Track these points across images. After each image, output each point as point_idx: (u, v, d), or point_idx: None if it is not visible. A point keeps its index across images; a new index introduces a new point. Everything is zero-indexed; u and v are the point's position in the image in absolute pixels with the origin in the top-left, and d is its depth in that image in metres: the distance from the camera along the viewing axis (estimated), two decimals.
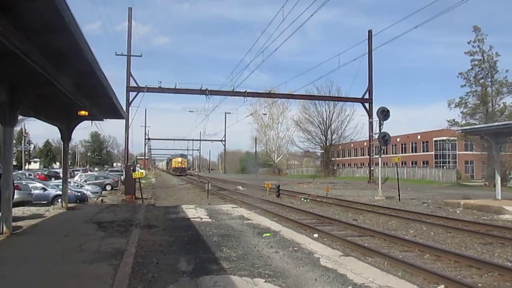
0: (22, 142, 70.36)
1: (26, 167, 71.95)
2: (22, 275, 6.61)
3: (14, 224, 10.99)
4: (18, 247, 9.01)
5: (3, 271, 6.73)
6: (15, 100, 10.22)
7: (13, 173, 14.29)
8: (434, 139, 65.57)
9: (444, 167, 57.82)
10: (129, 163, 36.27)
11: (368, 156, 46.06)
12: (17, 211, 14.21)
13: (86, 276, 6.44)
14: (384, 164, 44.14)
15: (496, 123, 24.59)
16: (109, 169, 77.26)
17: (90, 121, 18.45)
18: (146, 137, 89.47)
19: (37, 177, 37.48)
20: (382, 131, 25.54)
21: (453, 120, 46.51)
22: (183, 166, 79.47)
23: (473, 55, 44.93)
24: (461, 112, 45.63)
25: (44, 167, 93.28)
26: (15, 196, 14.11)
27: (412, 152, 70.76)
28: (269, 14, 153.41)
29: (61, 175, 29.69)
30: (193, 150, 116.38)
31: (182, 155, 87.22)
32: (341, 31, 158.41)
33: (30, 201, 18.54)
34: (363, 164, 68.56)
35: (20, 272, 6.75)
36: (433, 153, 65.95)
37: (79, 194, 22.45)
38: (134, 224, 12.40)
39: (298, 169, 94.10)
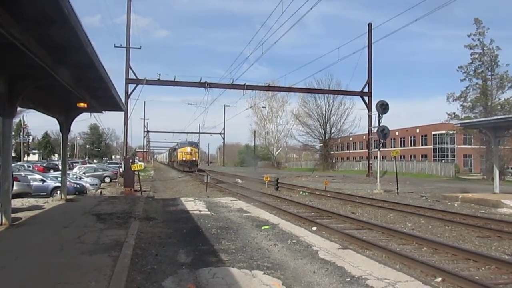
0: (21, 133, 70.33)
1: (25, 158, 71.96)
2: (22, 265, 6.64)
3: (13, 215, 11.02)
4: (17, 238, 9.03)
5: (2, 262, 6.76)
6: (14, 92, 10.19)
7: (12, 164, 14.30)
8: (433, 133, 65.72)
9: (443, 161, 57.98)
10: (128, 156, 36.27)
11: (367, 150, 46.11)
12: (16, 203, 14.22)
13: (85, 267, 6.47)
14: (382, 158, 44.27)
15: (495, 117, 24.61)
16: (108, 162, 77.27)
17: (89, 113, 18.42)
18: (145, 129, 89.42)
19: (36, 168, 37.53)
20: (381, 124, 25.54)
21: (453, 113, 46.57)
22: (194, 158, 56.67)
23: (473, 48, 44.85)
24: (461, 105, 45.68)
25: (42, 159, 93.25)
26: (14, 188, 14.19)
27: (410, 145, 70.92)
28: (269, 7, 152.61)
29: (60, 167, 29.72)
30: None
31: (192, 143, 61.42)
32: (341, 24, 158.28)
33: (29, 193, 18.57)
34: (362, 158, 68.68)
35: (20, 263, 6.78)
36: (431, 146, 66.13)
37: (78, 186, 22.49)
38: (133, 216, 12.43)
39: (297, 162, 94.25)
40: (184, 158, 55.63)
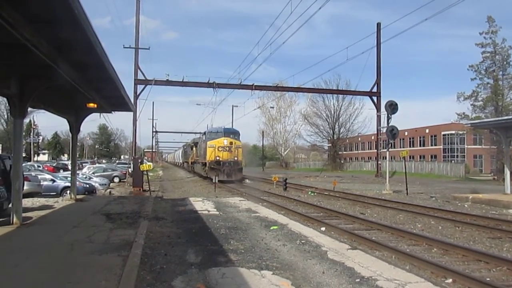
0: (31, 134, 70.87)
1: (35, 158, 72.53)
2: (33, 264, 6.70)
3: (24, 215, 11.12)
4: (28, 237, 9.12)
5: (14, 261, 6.82)
6: (25, 93, 10.29)
7: (23, 164, 14.43)
8: (443, 133, 65.21)
9: (453, 161, 57.47)
10: (136, 156, 36.47)
11: (375, 150, 45.88)
12: (26, 202, 14.35)
13: (95, 267, 6.51)
14: (391, 158, 43.93)
15: (506, 117, 24.33)
16: (116, 162, 77.67)
17: (98, 114, 18.55)
18: (154, 129, 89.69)
19: (46, 168, 37.86)
20: (390, 124, 25.39)
21: (463, 113, 46.20)
22: (235, 158, 33.28)
23: (484, 47, 44.42)
24: (472, 105, 45.30)
25: (52, 159, 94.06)
26: (25, 188, 14.31)
27: (420, 146, 70.42)
28: (277, 7, 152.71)
29: (69, 167, 29.96)
30: None
31: (230, 131, 35.85)
32: (349, 24, 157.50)
33: (40, 193, 18.71)
34: (371, 158, 68.33)
35: (31, 262, 6.84)
36: (441, 147, 65.61)
37: (87, 186, 22.64)
38: (142, 216, 12.48)
39: (305, 162, 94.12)
40: (218, 158, 32.25)
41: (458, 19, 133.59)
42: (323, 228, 11.60)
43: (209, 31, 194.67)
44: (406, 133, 69.64)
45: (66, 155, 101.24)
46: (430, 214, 14.58)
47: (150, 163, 34.91)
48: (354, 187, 28.99)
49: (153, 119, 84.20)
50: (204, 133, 37.06)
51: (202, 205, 16.06)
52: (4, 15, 6.61)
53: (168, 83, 36.46)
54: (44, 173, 23.91)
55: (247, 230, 10.60)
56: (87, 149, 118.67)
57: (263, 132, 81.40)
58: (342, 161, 75.48)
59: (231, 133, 35.25)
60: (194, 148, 44.35)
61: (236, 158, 32.75)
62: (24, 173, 15.58)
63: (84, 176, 27.25)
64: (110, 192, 24.46)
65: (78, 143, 24.53)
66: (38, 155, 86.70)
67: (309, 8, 51.27)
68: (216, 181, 26.44)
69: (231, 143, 33.03)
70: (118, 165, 49.37)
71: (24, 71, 9.99)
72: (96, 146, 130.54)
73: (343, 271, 6.74)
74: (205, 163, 33.86)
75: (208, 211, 14.37)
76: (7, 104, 11.77)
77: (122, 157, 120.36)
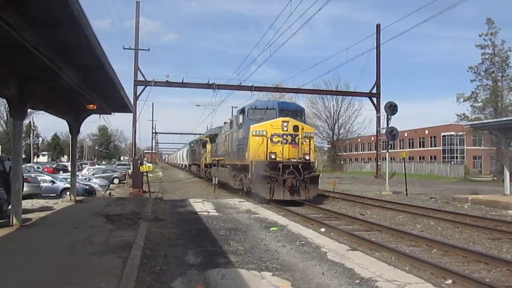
0: (31, 135, 70.83)
1: (34, 160, 72.48)
2: (33, 266, 6.69)
3: (23, 216, 11.11)
4: (28, 239, 9.10)
5: (14, 262, 6.82)
6: (24, 94, 10.29)
7: (22, 166, 14.42)
8: (442, 134, 65.33)
9: (452, 162, 57.56)
10: (136, 157, 36.47)
11: (375, 151, 45.92)
12: (26, 204, 14.33)
13: (95, 268, 6.50)
14: (391, 159, 43.95)
15: (505, 118, 24.36)
16: (116, 163, 77.62)
17: (98, 115, 18.54)
18: (153, 131, 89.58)
19: (46, 170, 37.85)
20: (389, 125, 25.40)
21: (463, 114, 46.28)
22: (305, 155, 17.40)
23: (484, 48, 44.55)
24: (471, 106, 45.41)
25: (52, 160, 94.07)
26: (25, 189, 14.31)
27: (419, 147, 70.52)
28: (277, 8, 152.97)
29: (69, 168, 29.99)
30: None
31: (288, 107, 19.45)
32: (349, 26, 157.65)
33: (39, 194, 18.72)
34: (370, 159, 68.38)
35: (31, 263, 6.83)
36: (441, 148, 65.76)
37: (87, 187, 22.65)
38: (142, 217, 12.47)
39: None
40: (272, 156, 17.10)
41: (458, 21, 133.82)
42: (322, 229, 11.59)
43: (209, 33, 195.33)
44: (405, 134, 69.72)
45: (65, 157, 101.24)
46: (430, 215, 14.57)
47: (150, 164, 34.88)
48: (354, 188, 28.97)
49: (152, 120, 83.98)
50: (242, 110, 20.39)
51: (202, 206, 16.04)
52: (4, 17, 6.62)
53: (168, 84, 36.48)
54: (44, 175, 23.92)
55: (246, 231, 10.59)
56: (86, 150, 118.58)
57: None
58: (341, 162, 75.41)
59: (292, 110, 19.48)
60: (208, 145, 32.20)
61: (307, 158, 17.85)
62: (24, 175, 15.58)
63: (84, 177, 27.25)
64: (109, 193, 24.47)
65: (77, 145, 24.55)
66: (38, 156, 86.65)
67: (309, 9, 51.22)
68: (216, 182, 25.96)
69: (295, 128, 17.73)
70: (118, 166, 49.36)
71: (24, 73, 9.98)
72: (96, 147, 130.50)
73: (343, 272, 6.73)
74: (244, 166, 19.13)
75: (208, 212, 14.36)
76: (7, 106, 11.83)
77: (121, 158, 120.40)
